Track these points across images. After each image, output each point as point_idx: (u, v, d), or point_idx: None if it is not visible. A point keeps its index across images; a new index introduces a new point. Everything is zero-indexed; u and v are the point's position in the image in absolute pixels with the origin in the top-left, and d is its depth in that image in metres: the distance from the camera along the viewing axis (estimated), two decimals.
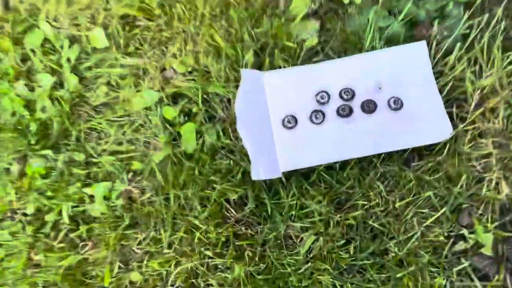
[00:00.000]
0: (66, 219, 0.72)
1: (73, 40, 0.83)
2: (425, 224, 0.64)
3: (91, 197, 0.73)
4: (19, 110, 0.78)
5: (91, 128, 0.77)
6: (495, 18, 0.70)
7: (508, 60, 0.69)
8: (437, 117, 0.65)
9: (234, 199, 0.68)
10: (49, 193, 0.73)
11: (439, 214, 0.64)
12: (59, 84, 0.80)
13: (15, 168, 0.76)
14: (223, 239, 0.66)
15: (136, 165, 0.73)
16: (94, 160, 0.75)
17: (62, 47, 0.82)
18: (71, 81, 0.79)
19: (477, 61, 0.70)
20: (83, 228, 0.71)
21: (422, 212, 0.65)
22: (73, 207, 0.73)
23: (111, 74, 0.79)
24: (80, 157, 0.75)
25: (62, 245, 0.71)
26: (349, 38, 0.74)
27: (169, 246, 0.68)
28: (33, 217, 0.73)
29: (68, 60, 0.81)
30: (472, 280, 0.62)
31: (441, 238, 0.63)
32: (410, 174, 0.65)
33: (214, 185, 0.69)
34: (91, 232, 0.71)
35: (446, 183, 0.65)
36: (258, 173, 0.65)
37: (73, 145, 0.76)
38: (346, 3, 0.76)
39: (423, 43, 0.69)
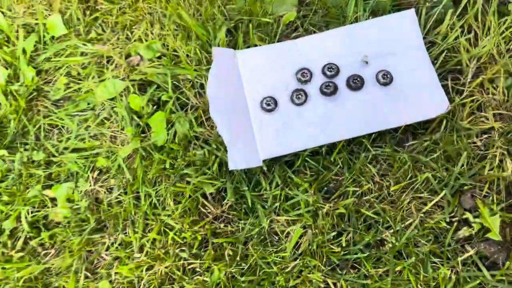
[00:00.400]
0: (25, 226, 0.64)
1: (29, 29, 0.75)
2: (424, 210, 0.57)
3: (53, 200, 0.66)
4: None
5: (51, 125, 0.70)
6: None
7: (505, 25, 0.62)
8: (431, 90, 0.58)
9: (211, 193, 0.61)
10: (5, 198, 0.66)
11: (439, 197, 0.57)
12: (15, 78, 0.72)
13: None
14: (200, 238, 0.59)
15: (102, 162, 0.65)
16: (55, 159, 0.67)
17: (17, 37, 0.74)
18: (28, 74, 0.72)
19: (471, 29, 0.64)
20: (44, 235, 0.63)
21: (420, 197, 0.58)
22: (33, 212, 0.65)
23: (72, 64, 0.71)
24: (39, 156, 0.67)
25: (21, 254, 0.63)
26: (330, 11, 0.68)
27: (141, 249, 0.60)
28: None
29: (24, 51, 0.73)
30: (479, 269, 0.55)
31: (443, 224, 0.56)
32: (404, 156, 0.59)
33: (188, 179, 0.62)
34: (54, 238, 0.64)
35: (445, 163, 0.59)
36: (236, 162, 0.58)
37: (31, 143, 0.68)
38: None
39: (412, 11, 0.63)
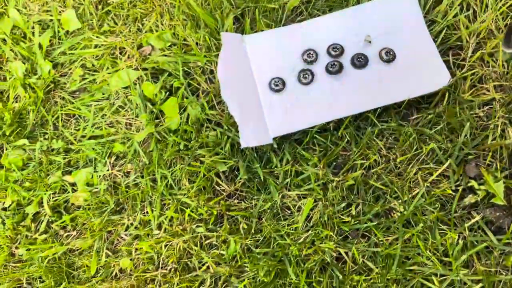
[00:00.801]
0: (47, 210, 0.67)
1: (44, 26, 0.79)
2: (430, 180, 0.59)
3: (73, 185, 0.68)
4: None
5: (68, 114, 0.73)
6: None
7: (502, 1, 0.65)
8: (433, 65, 0.61)
9: (224, 172, 0.64)
10: (27, 184, 0.69)
11: (444, 167, 0.59)
12: (32, 72, 0.76)
13: None
14: (216, 213, 0.61)
15: (118, 148, 0.68)
16: (73, 146, 0.70)
17: (33, 33, 0.77)
18: (45, 67, 0.75)
19: (470, 6, 0.66)
20: (66, 218, 0.66)
21: (426, 168, 0.60)
22: (54, 197, 0.68)
23: (86, 56, 0.75)
24: (58, 144, 0.70)
25: (44, 236, 0.66)
26: None
27: (159, 227, 0.63)
28: (13, 210, 0.68)
29: (40, 46, 0.76)
30: (486, 234, 0.57)
31: (449, 192, 0.58)
32: (409, 129, 0.61)
33: (202, 159, 0.64)
34: (75, 221, 0.67)
35: (449, 134, 0.61)
36: (247, 141, 0.60)
37: (50, 133, 0.72)
38: None
39: None
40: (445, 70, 0.60)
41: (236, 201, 0.63)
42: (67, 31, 0.77)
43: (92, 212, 0.66)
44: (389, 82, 0.61)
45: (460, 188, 0.59)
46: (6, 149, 0.71)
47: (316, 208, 0.60)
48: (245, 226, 0.60)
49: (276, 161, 0.62)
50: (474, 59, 0.63)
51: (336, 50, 0.63)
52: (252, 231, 0.60)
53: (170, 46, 0.72)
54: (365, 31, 0.64)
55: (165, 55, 0.71)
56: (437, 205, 0.58)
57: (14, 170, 0.70)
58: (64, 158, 0.70)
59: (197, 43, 0.70)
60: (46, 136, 0.72)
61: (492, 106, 0.61)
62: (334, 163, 0.63)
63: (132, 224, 0.64)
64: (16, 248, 0.67)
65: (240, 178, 0.63)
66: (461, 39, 0.65)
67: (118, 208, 0.66)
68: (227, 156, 0.64)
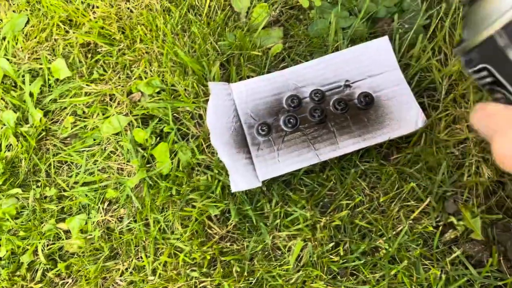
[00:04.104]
0: (42, 259, 0.68)
1: (34, 74, 0.81)
2: (412, 217, 0.63)
3: (67, 232, 0.70)
4: None
5: (60, 161, 0.74)
6: (453, 6, 0.71)
7: None
8: (409, 108, 0.65)
9: (216, 215, 0.66)
10: (22, 233, 0.70)
11: (424, 205, 0.63)
12: (24, 120, 0.77)
13: None
14: (209, 257, 0.63)
15: (111, 193, 0.70)
16: (66, 193, 0.72)
17: (24, 82, 0.79)
18: (36, 115, 0.77)
19: (441, 50, 0.70)
20: (61, 266, 0.67)
21: (408, 205, 0.64)
22: (48, 245, 0.69)
23: (77, 103, 0.77)
24: (51, 192, 0.72)
25: (40, 285, 0.67)
26: (313, 41, 0.74)
27: (153, 272, 0.65)
28: (7, 260, 0.69)
29: (31, 94, 0.78)
30: (466, 268, 0.60)
31: (430, 229, 0.62)
32: (390, 168, 0.65)
33: (194, 204, 0.66)
34: (70, 268, 0.68)
35: (428, 173, 0.64)
36: (237, 185, 0.63)
37: (43, 180, 0.73)
38: (306, 8, 0.77)
39: (386, 38, 0.69)
40: (421, 112, 0.64)
41: (228, 243, 0.65)
42: (57, 79, 0.79)
43: (86, 259, 0.67)
44: (369, 125, 0.65)
45: (440, 224, 0.62)
46: (0, 198, 0.72)
47: (305, 248, 0.63)
48: (238, 269, 0.62)
49: (266, 203, 0.65)
50: (448, 100, 0.67)
51: (318, 96, 0.67)
52: (245, 273, 0.62)
53: (159, 92, 0.75)
54: (344, 76, 0.68)
55: (155, 102, 0.74)
56: (419, 242, 0.62)
57: (7, 220, 0.71)
58: (57, 206, 0.71)
59: (185, 89, 0.73)
60: (39, 184, 0.73)
61: (466, 144, 0.65)
62: (321, 202, 0.65)
63: (127, 269, 0.66)
64: None
65: (232, 221, 0.65)
66: (435, 81, 0.69)
67: (112, 254, 0.68)
68: (218, 199, 0.66)
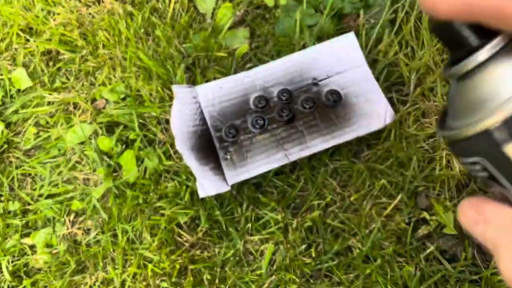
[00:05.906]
0: (7, 276, 0.65)
1: None
2: (384, 214, 0.62)
3: (32, 247, 0.67)
4: None
5: (24, 174, 0.72)
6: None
7: (437, 39, 0.69)
8: (377, 103, 0.64)
9: (185, 222, 0.64)
10: None
11: (396, 201, 0.62)
12: None
13: None
14: (179, 266, 0.61)
15: (77, 205, 0.68)
16: (30, 207, 0.69)
17: None
18: None
19: (408, 44, 0.70)
20: (26, 282, 0.65)
21: (380, 202, 0.62)
22: (13, 261, 0.67)
23: (39, 114, 0.74)
24: (15, 206, 0.69)
25: None
26: (279, 40, 0.73)
27: (122, 285, 0.62)
28: None
29: None
30: (441, 263, 0.59)
31: (403, 225, 0.61)
32: (361, 166, 0.63)
33: (162, 211, 0.64)
34: (36, 285, 0.65)
35: (398, 168, 0.63)
36: (206, 190, 0.61)
37: (6, 194, 0.70)
38: (272, 6, 0.75)
39: (352, 34, 0.68)
40: (389, 108, 0.63)
41: (198, 251, 0.63)
42: (19, 90, 0.76)
43: (53, 274, 0.65)
44: (337, 122, 0.63)
45: (413, 220, 0.61)
46: None
47: (278, 252, 0.61)
48: (209, 277, 0.60)
49: (236, 207, 0.63)
50: (416, 94, 0.66)
51: (286, 95, 0.65)
52: (216, 281, 0.60)
53: (123, 98, 0.73)
54: (311, 74, 0.67)
55: (119, 108, 0.72)
56: (393, 239, 0.61)
57: None
58: (22, 220, 0.68)
59: (150, 94, 0.71)
60: (2, 199, 0.70)
61: (436, 138, 0.64)
62: (293, 204, 0.64)
63: (95, 283, 0.64)
64: None
65: (202, 227, 0.63)
66: (403, 76, 0.68)
67: (80, 268, 0.65)
68: (187, 205, 0.64)
